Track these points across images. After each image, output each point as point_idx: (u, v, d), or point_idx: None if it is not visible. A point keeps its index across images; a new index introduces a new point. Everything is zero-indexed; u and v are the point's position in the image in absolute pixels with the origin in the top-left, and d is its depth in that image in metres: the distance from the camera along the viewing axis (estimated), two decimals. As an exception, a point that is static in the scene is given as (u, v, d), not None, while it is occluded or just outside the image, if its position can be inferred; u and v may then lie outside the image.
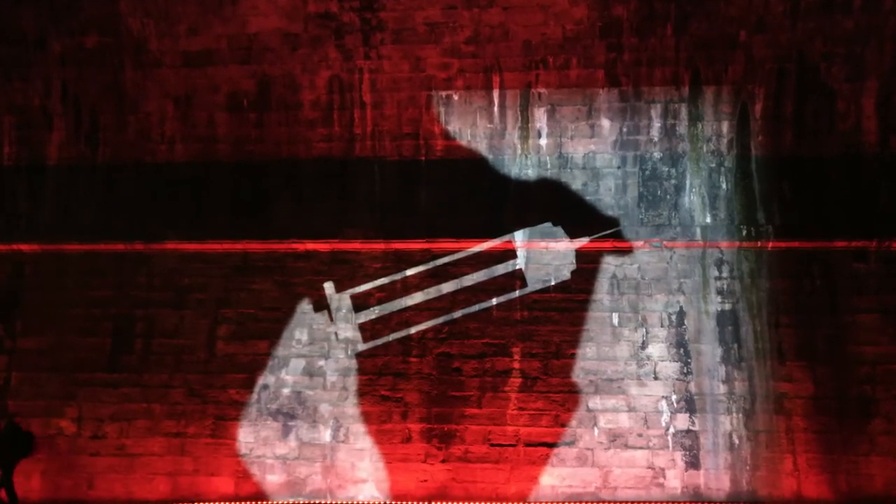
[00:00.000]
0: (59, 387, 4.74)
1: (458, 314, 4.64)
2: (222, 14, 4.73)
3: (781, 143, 4.63)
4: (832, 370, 4.37)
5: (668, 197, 4.67)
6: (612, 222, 4.66)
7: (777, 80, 4.60)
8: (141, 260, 4.88)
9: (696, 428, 4.37)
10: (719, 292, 4.54)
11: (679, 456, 4.34)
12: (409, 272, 4.73)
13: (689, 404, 4.40)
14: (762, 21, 4.51)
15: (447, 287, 4.69)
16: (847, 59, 4.51)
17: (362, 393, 4.59)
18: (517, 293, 4.64)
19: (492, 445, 4.45)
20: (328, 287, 4.75)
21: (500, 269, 4.69)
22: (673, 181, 4.68)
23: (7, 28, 4.86)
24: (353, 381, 4.61)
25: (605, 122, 4.72)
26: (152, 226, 4.91)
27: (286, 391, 4.62)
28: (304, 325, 4.72)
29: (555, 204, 4.72)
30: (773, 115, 4.63)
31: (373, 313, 4.70)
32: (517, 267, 4.68)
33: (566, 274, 4.64)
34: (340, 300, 4.73)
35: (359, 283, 4.74)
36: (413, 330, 4.65)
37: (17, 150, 5.03)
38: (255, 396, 4.63)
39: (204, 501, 4.50)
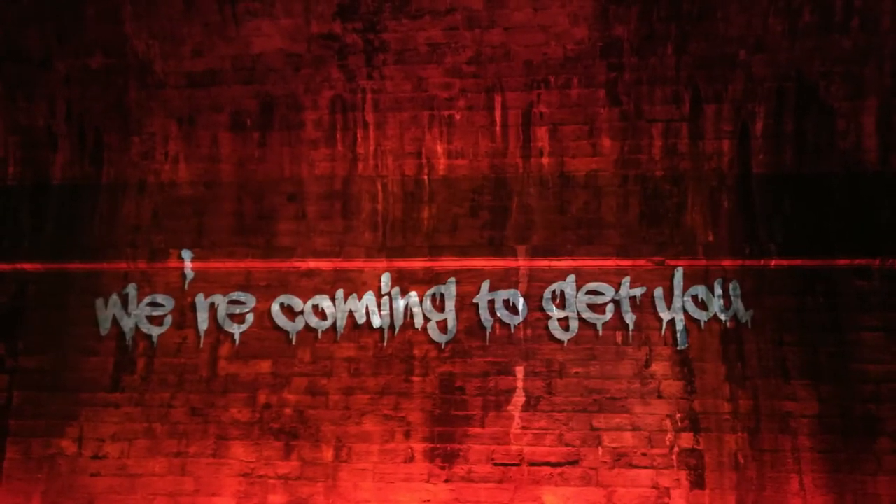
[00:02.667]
0: (61, 406, 4.71)
1: (460, 333, 4.64)
2: (226, 35, 4.78)
3: (782, 162, 4.66)
4: (837, 389, 4.35)
5: (670, 215, 4.69)
6: (614, 241, 4.67)
7: (777, 99, 4.63)
8: (144, 279, 4.89)
9: (701, 447, 4.34)
10: (722, 310, 4.54)
11: (684, 475, 4.31)
12: (412, 290, 4.73)
13: (694, 423, 4.38)
14: (761, 41, 4.55)
15: (449, 305, 4.69)
16: (846, 78, 4.55)
17: (364, 412, 4.56)
18: (520, 312, 4.64)
19: (495, 465, 4.42)
20: (330, 306, 4.75)
21: (503, 287, 4.69)
22: (675, 199, 4.70)
23: (12, 49, 4.89)
24: (355, 401, 4.59)
25: (607, 141, 4.75)
26: (155, 245, 4.93)
27: (288, 410, 4.60)
28: (306, 344, 4.71)
29: (557, 222, 4.74)
30: (774, 133, 4.66)
31: (375, 332, 4.70)
32: (519, 285, 4.68)
33: (569, 292, 4.64)
34: (343, 319, 4.73)
35: (361, 302, 4.74)
36: (415, 349, 4.64)
37: (22, 170, 5.05)
38: (257, 416, 4.61)
39: (205, 522, 4.49)
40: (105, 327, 4.81)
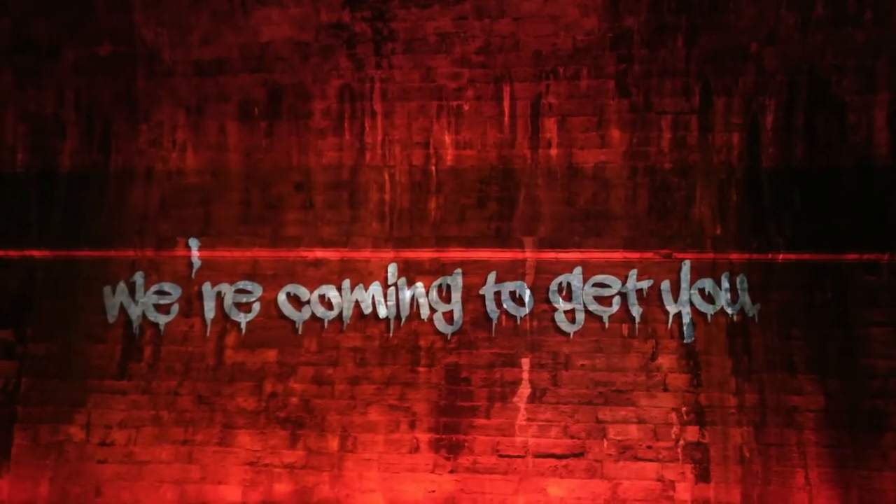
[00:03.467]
0: (69, 393, 4.74)
1: (466, 324, 4.64)
2: (234, 24, 4.77)
3: (792, 155, 4.63)
4: (844, 383, 4.33)
5: (679, 208, 4.67)
6: (622, 233, 4.66)
7: (788, 92, 4.59)
8: (151, 267, 4.90)
9: (706, 440, 4.34)
10: (729, 304, 4.52)
11: (689, 468, 4.32)
12: (418, 281, 4.73)
13: (699, 416, 4.38)
14: (773, 33, 4.51)
15: (455, 296, 4.68)
16: (858, 72, 4.50)
17: (370, 402, 4.58)
18: (526, 304, 4.64)
19: (500, 456, 4.43)
20: (336, 296, 4.76)
21: (509, 278, 4.68)
22: (683, 192, 4.68)
23: (20, 37, 4.89)
24: (361, 390, 4.60)
25: (616, 133, 4.72)
26: (162, 233, 4.94)
27: (294, 399, 4.62)
28: (312, 334, 4.72)
29: (564, 214, 4.73)
30: (784, 126, 4.62)
31: (381, 322, 4.70)
32: (526, 277, 4.68)
33: (575, 284, 4.64)
34: (349, 309, 4.74)
35: (368, 292, 4.74)
36: (421, 339, 4.65)
37: (30, 158, 5.06)
38: (263, 404, 4.63)
39: (211, 510, 4.52)
40: (112, 315, 4.83)
